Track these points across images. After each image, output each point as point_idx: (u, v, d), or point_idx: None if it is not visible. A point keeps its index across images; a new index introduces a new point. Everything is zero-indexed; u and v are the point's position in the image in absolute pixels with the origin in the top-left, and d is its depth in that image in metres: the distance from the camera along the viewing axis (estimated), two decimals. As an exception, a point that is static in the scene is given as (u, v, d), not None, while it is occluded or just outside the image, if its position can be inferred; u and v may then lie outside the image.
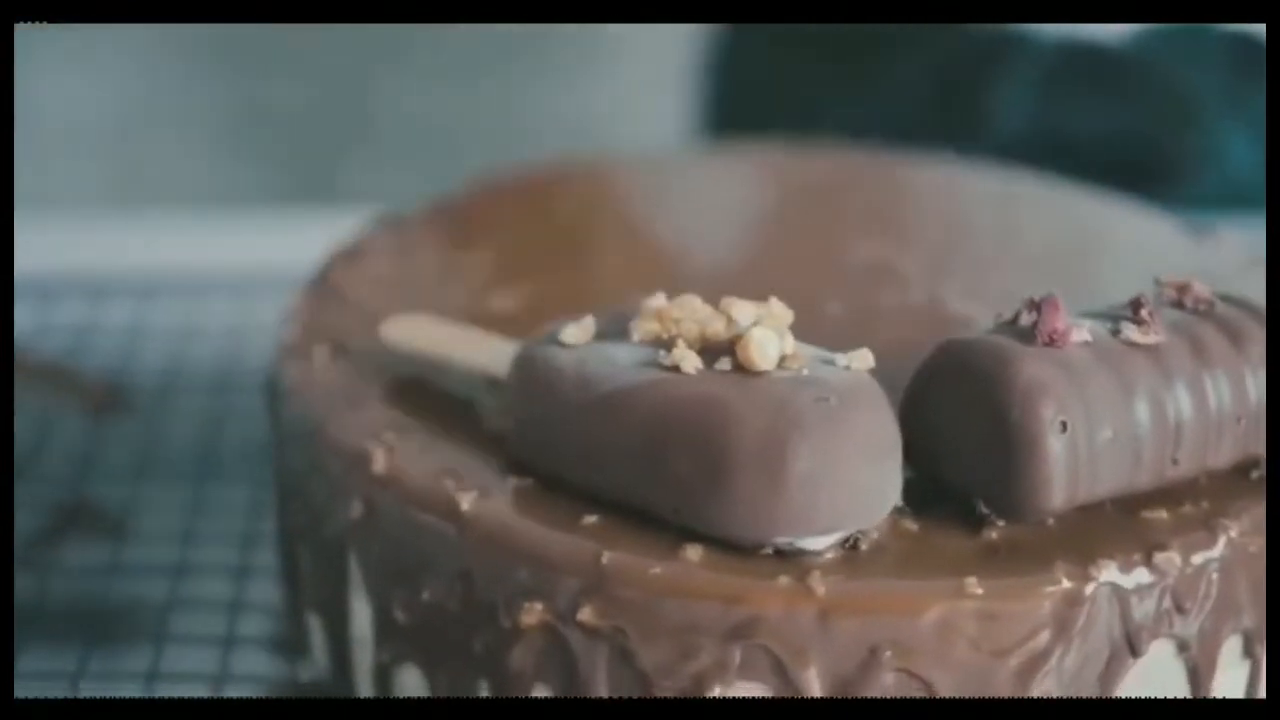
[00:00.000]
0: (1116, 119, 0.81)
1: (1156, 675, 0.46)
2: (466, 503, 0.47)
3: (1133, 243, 0.64)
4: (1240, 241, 0.63)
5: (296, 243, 0.77)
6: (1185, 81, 0.84)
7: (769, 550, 0.45)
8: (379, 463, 0.49)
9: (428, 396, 0.52)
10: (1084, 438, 0.45)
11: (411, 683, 0.49)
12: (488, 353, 0.51)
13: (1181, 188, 0.83)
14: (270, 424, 0.55)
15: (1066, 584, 0.45)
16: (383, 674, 0.50)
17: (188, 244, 0.80)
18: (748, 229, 0.64)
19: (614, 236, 0.62)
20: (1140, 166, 0.84)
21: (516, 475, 0.48)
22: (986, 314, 0.49)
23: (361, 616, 0.50)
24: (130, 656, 0.55)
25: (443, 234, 0.62)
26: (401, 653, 0.49)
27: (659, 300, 0.48)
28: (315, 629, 0.53)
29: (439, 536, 0.47)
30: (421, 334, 0.52)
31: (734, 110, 0.98)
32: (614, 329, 0.48)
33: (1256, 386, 0.48)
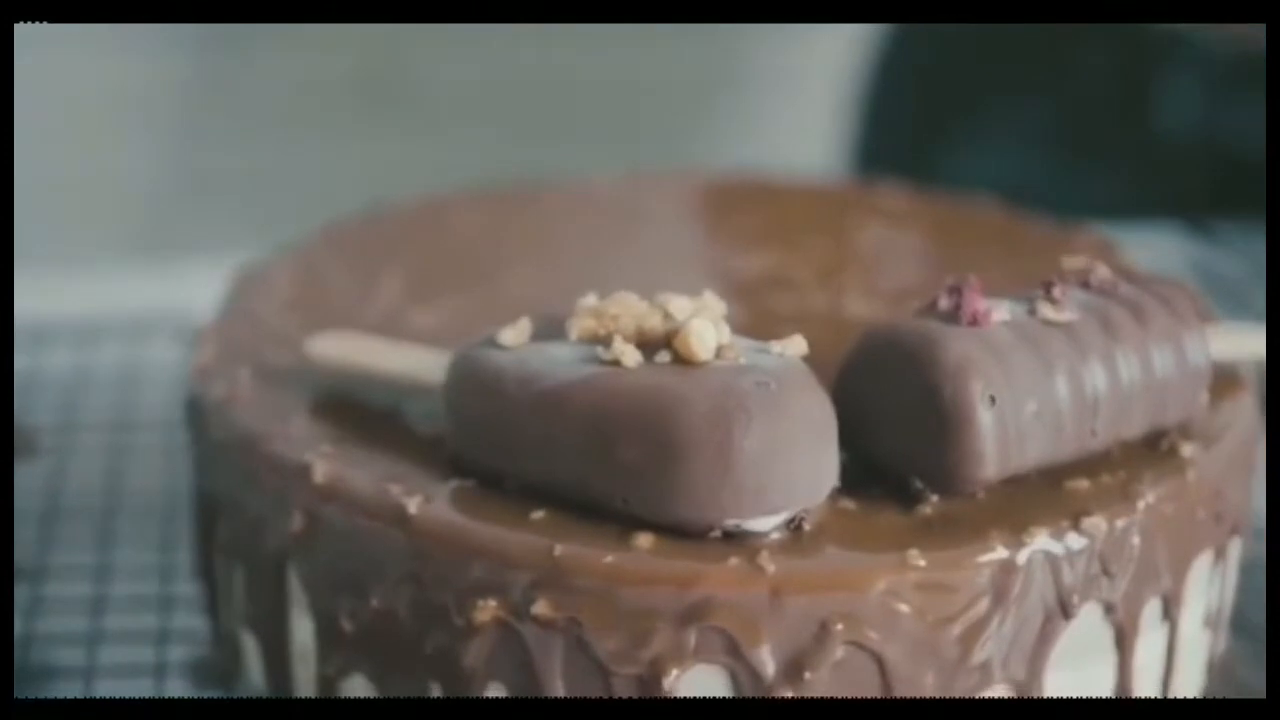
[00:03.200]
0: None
1: (1086, 637, 0.48)
2: (413, 506, 0.47)
3: (1006, 242, 0.66)
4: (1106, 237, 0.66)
5: (165, 290, 0.78)
6: None
7: (717, 533, 0.46)
8: (319, 473, 0.49)
9: (356, 409, 0.52)
10: (1011, 411, 0.47)
11: (358, 693, 0.50)
12: (418, 362, 0.52)
13: None
14: (192, 446, 0.55)
15: (1002, 552, 0.47)
16: (327, 686, 0.50)
17: (70, 294, 0.79)
18: (643, 246, 0.66)
19: (517, 256, 0.63)
20: None
21: (458, 477, 0.49)
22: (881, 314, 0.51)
23: (303, 630, 0.51)
24: (60, 689, 0.54)
25: (347, 258, 0.62)
26: (348, 663, 0.49)
27: (593, 299, 0.49)
28: (250, 649, 0.53)
29: (387, 542, 0.48)
30: (348, 349, 0.53)
31: (897, 120, 0.98)
32: (550, 329, 0.49)
33: (1161, 360, 0.50)
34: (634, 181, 0.70)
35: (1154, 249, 0.80)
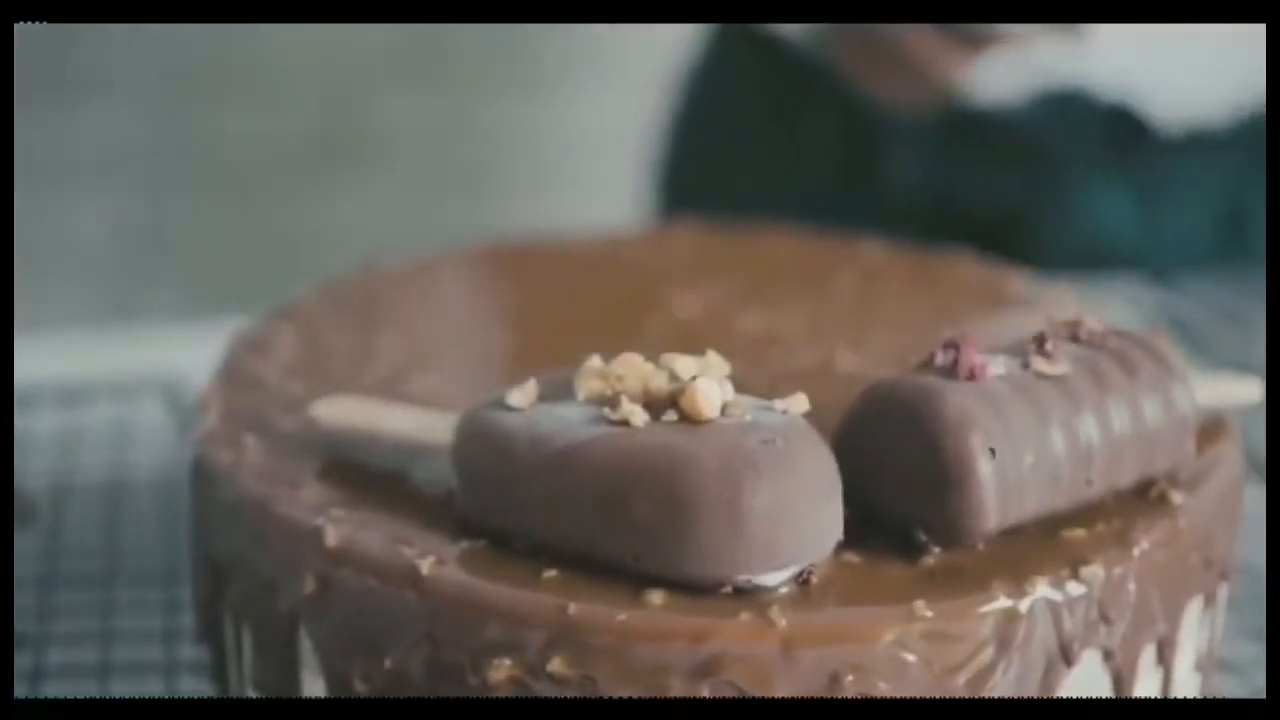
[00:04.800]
0: (998, 184, 0.84)
1: (1086, 682, 0.50)
2: (426, 567, 0.48)
3: (981, 297, 0.68)
4: (1080, 293, 0.68)
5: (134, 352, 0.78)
6: (1061, 149, 0.89)
7: (728, 589, 0.47)
8: (332, 537, 0.50)
9: (364, 472, 0.53)
10: (1010, 463, 0.48)
11: (370, 753, 0.50)
12: (424, 424, 0.53)
13: (1053, 249, 0.88)
14: (198, 510, 0.56)
15: (1005, 602, 0.48)
16: (339, 747, 0.51)
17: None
18: (633, 304, 0.67)
19: (512, 315, 0.64)
20: (1017, 229, 0.88)
21: (468, 538, 0.49)
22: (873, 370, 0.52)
23: (315, 692, 0.51)
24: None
25: (342, 320, 0.63)
26: (362, 723, 0.50)
27: (598, 360, 0.50)
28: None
29: (400, 603, 0.48)
30: (355, 412, 0.54)
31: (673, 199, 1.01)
32: (557, 390, 0.50)
33: (1150, 410, 0.52)
34: (621, 239, 0.72)
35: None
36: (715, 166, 1.00)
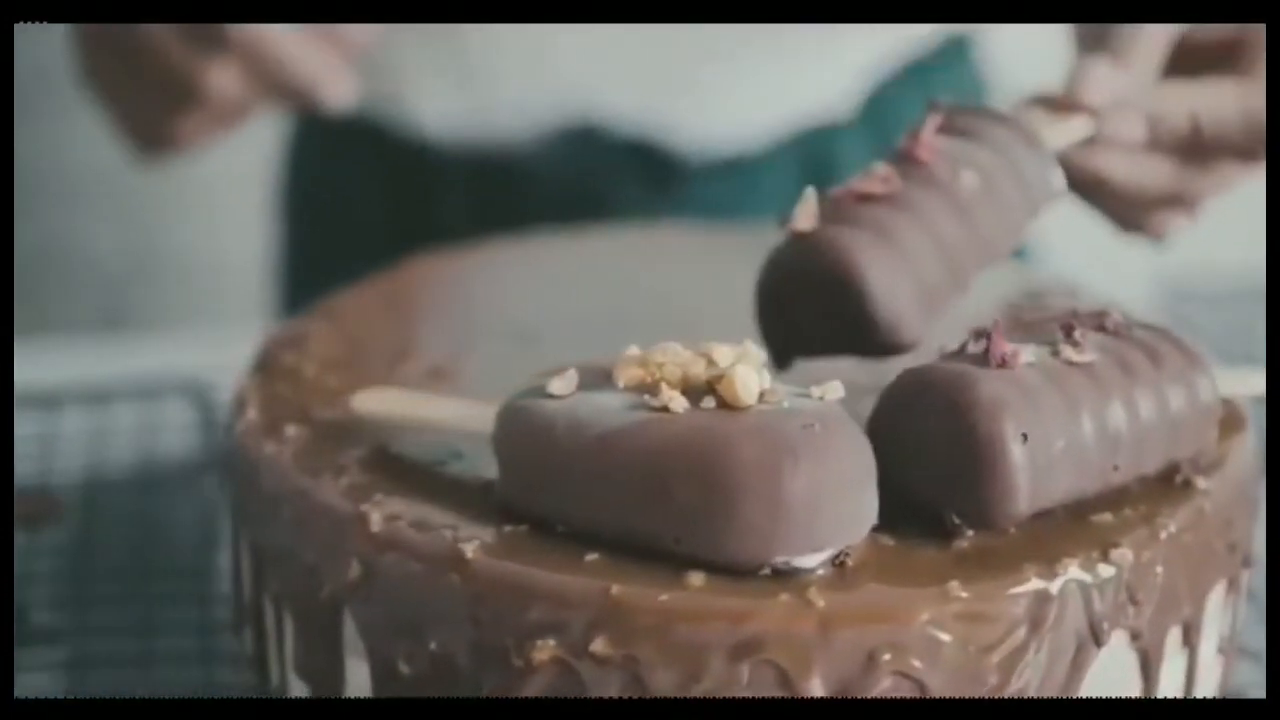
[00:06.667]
0: (543, 223, 0.83)
1: (1114, 664, 0.51)
2: (470, 551, 0.49)
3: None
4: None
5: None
6: (593, 184, 0.88)
7: (767, 571, 0.48)
8: (375, 522, 0.51)
9: (404, 462, 0.54)
10: (1041, 448, 0.49)
11: (413, 736, 0.51)
12: (463, 414, 0.54)
13: None
14: (238, 500, 0.57)
15: (1037, 583, 0.49)
16: (382, 731, 0.52)
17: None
18: (665, 293, 0.68)
19: (544, 307, 0.65)
20: None
21: (511, 523, 0.50)
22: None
23: (358, 675, 0.52)
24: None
25: (374, 316, 0.64)
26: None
27: (635, 349, 0.51)
28: (302, 696, 0.55)
29: (445, 587, 0.49)
30: (394, 403, 0.55)
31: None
32: (596, 379, 0.51)
33: (1175, 398, 0.53)
34: (645, 233, 0.73)
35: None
36: (311, 224, 0.99)
